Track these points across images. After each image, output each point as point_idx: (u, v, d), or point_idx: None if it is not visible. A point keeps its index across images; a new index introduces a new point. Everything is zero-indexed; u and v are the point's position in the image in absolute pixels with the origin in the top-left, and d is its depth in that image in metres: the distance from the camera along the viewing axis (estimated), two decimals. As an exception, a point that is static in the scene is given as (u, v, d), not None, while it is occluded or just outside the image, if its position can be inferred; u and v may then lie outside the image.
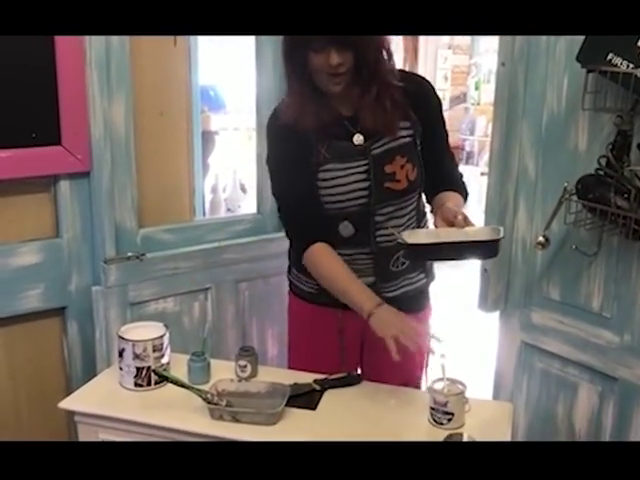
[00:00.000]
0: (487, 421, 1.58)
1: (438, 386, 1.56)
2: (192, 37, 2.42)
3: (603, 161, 1.72)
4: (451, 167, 1.82)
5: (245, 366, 1.73)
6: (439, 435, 1.48)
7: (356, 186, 1.67)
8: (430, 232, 1.67)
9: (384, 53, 1.62)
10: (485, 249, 1.55)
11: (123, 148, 1.99)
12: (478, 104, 7.36)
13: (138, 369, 1.67)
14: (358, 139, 1.67)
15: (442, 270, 1.92)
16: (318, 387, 1.68)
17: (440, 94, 1.81)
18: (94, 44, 1.87)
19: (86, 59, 1.88)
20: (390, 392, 1.70)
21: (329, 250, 1.69)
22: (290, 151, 1.68)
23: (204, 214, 3.76)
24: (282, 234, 1.86)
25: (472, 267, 2.12)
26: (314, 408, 1.61)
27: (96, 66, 1.88)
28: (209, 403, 1.55)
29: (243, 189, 5.96)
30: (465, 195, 1.78)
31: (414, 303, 1.81)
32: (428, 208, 1.82)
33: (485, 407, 1.67)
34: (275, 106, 1.75)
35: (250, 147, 3.24)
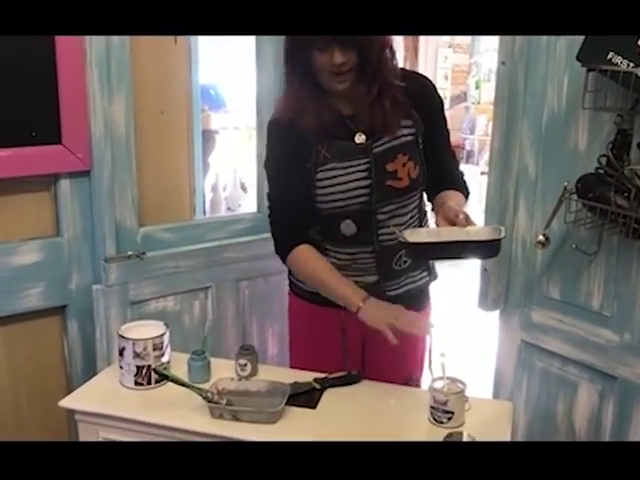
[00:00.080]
0: (487, 420, 1.58)
1: (438, 385, 1.56)
2: (192, 36, 2.42)
3: (603, 160, 1.72)
4: (452, 166, 1.83)
5: (245, 365, 1.73)
6: (439, 434, 1.48)
7: (357, 184, 1.67)
8: (431, 231, 1.67)
9: (387, 52, 1.62)
10: (486, 249, 1.55)
11: (123, 147, 1.99)
12: (478, 103, 7.36)
13: (138, 368, 1.67)
14: (360, 138, 1.67)
15: (442, 269, 1.92)
16: (318, 386, 1.68)
17: (440, 93, 1.81)
18: (94, 43, 1.87)
19: (86, 58, 1.88)
20: (390, 391, 1.70)
21: (313, 250, 1.71)
22: (288, 151, 1.69)
23: (204, 213, 3.76)
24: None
25: (472, 266, 2.12)
26: (314, 407, 1.62)
27: (96, 65, 1.88)
28: (209, 402, 1.55)
29: (243, 188, 5.96)
30: (466, 194, 1.78)
31: (416, 302, 1.81)
32: (429, 207, 1.82)
33: (485, 406, 1.68)
34: (275, 105, 1.75)
35: (250, 146, 3.24)
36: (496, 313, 2.13)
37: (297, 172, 1.67)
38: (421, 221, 1.81)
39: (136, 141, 2.03)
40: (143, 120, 2.06)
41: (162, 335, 1.71)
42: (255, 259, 2.26)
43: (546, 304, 1.99)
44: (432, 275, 1.86)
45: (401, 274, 1.77)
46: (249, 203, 5.37)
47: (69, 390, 1.90)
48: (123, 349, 1.68)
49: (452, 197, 1.70)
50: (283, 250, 1.74)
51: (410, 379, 1.82)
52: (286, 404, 1.56)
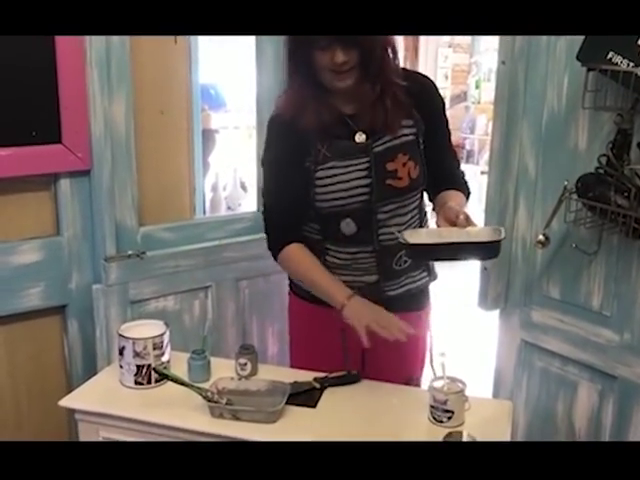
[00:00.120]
0: (487, 419, 1.58)
1: (438, 384, 1.56)
2: (192, 36, 2.42)
3: (603, 160, 1.72)
4: (453, 166, 1.82)
5: (245, 364, 1.73)
6: (439, 433, 1.48)
7: (357, 183, 1.67)
8: (431, 231, 1.67)
9: (389, 51, 1.62)
10: (486, 250, 1.55)
11: (123, 146, 1.99)
12: (478, 103, 7.37)
13: (138, 367, 1.67)
14: (360, 137, 1.67)
15: (442, 269, 1.92)
16: (318, 385, 1.68)
17: (441, 93, 1.81)
18: (94, 43, 1.87)
19: (86, 58, 1.88)
20: (390, 390, 1.70)
21: (305, 249, 1.72)
22: (287, 149, 1.69)
23: (204, 212, 3.76)
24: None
25: (472, 265, 2.12)
26: (314, 406, 1.62)
27: (96, 65, 1.88)
28: (209, 401, 1.55)
29: (243, 187, 5.97)
30: (467, 194, 1.78)
31: (416, 302, 1.81)
32: (430, 207, 1.82)
33: (485, 405, 1.68)
34: (277, 103, 1.75)
35: (250, 145, 3.23)
36: (496, 313, 2.13)
37: (295, 170, 1.67)
38: (421, 221, 1.81)
39: (136, 141, 2.03)
40: (143, 120, 2.06)
41: (162, 334, 1.71)
42: (255, 258, 2.26)
43: (546, 304, 1.99)
44: (432, 275, 1.86)
45: (401, 274, 1.77)
46: (249, 202, 5.37)
47: (69, 389, 1.90)
48: (123, 348, 1.68)
49: (453, 197, 1.70)
50: (275, 247, 1.75)
51: (410, 379, 1.82)
52: (286, 403, 1.56)
